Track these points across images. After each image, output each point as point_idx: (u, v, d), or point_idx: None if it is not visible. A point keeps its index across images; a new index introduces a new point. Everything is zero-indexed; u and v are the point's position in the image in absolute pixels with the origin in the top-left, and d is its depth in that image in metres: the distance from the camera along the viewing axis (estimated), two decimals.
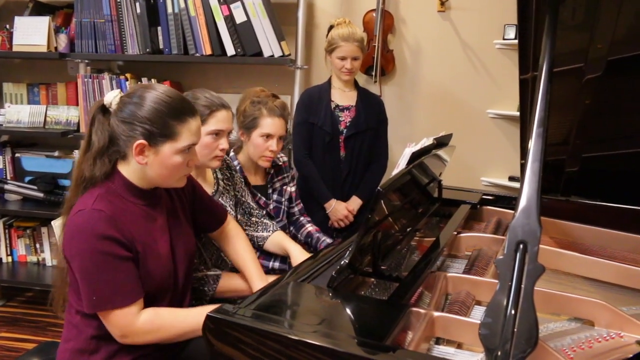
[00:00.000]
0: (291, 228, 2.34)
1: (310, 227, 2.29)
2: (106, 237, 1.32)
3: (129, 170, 1.43)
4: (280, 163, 2.29)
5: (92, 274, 1.33)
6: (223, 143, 1.81)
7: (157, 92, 1.39)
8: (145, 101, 1.37)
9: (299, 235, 2.30)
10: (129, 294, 1.36)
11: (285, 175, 2.30)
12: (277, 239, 2.00)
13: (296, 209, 2.34)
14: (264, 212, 2.16)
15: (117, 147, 1.41)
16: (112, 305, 1.34)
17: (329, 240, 2.23)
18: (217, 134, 1.79)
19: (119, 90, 1.44)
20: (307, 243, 2.28)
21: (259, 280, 1.72)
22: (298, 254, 1.89)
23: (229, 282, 1.82)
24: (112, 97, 1.41)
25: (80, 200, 1.39)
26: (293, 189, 2.32)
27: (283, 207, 2.27)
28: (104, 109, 1.42)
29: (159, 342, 1.41)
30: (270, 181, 2.25)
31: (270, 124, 2.07)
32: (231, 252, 1.80)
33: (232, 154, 2.19)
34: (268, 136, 2.08)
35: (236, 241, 1.80)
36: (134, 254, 1.38)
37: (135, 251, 1.38)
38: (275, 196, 2.25)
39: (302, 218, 2.34)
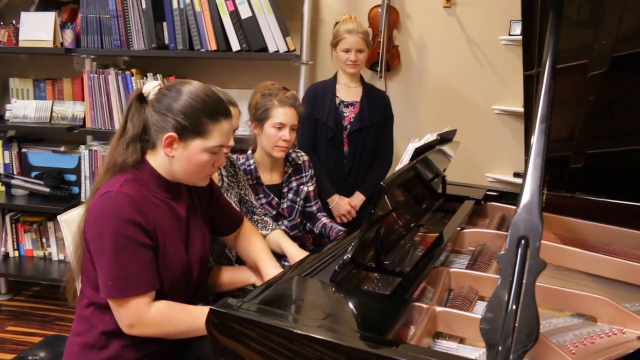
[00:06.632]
0: (308, 223, 2.36)
1: (325, 220, 2.33)
2: (131, 221, 1.33)
3: (156, 161, 1.44)
4: (300, 162, 2.29)
5: (111, 257, 1.32)
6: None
7: (195, 88, 1.41)
8: (182, 95, 1.39)
9: (315, 229, 2.32)
10: (145, 283, 1.35)
11: (304, 174, 2.30)
12: (275, 238, 1.98)
13: (314, 207, 2.35)
14: (274, 211, 2.17)
15: (148, 136, 1.43)
16: (127, 293, 1.33)
17: (339, 227, 2.27)
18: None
19: (159, 82, 1.46)
20: (321, 233, 2.32)
21: (275, 269, 1.66)
22: (294, 253, 1.88)
23: (236, 275, 1.82)
24: (151, 87, 1.44)
25: (107, 183, 1.40)
26: (311, 188, 2.32)
27: (297, 206, 2.26)
28: (141, 98, 1.45)
29: (165, 336, 1.41)
30: (287, 180, 2.25)
31: (281, 114, 2.09)
32: (249, 249, 1.76)
33: (249, 152, 2.20)
34: (280, 126, 2.09)
35: (253, 238, 1.78)
36: (155, 243, 1.38)
37: (156, 240, 1.38)
38: (290, 195, 2.24)
39: (319, 214, 2.36)
